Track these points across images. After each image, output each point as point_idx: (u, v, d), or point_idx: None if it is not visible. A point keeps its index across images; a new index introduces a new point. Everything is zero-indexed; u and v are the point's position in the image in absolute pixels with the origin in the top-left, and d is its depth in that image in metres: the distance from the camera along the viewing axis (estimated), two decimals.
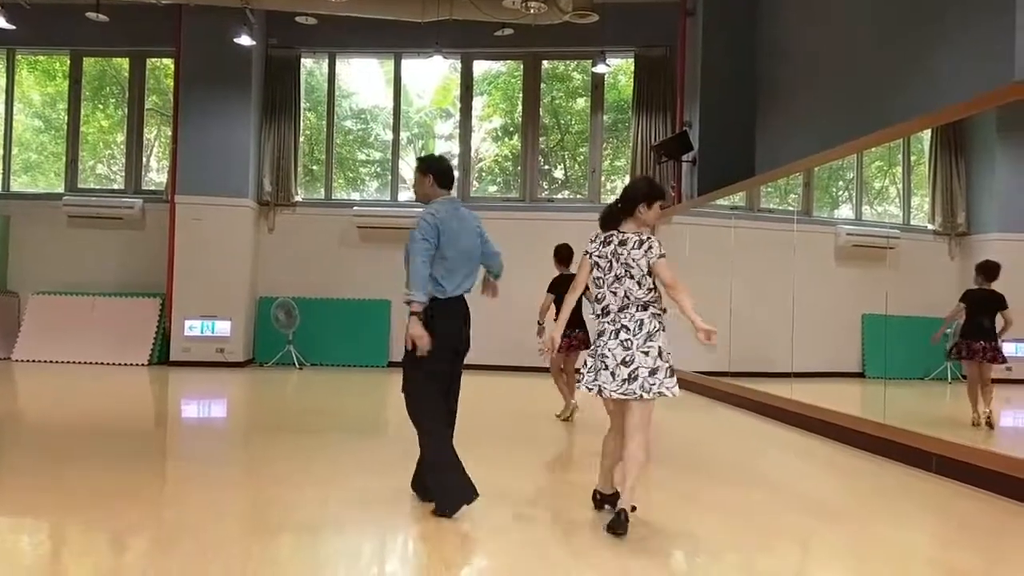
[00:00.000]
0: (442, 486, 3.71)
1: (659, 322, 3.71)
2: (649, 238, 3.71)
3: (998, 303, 5.45)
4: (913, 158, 6.57)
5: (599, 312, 3.73)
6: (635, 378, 3.56)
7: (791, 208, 8.13)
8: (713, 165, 9.84)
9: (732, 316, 8.54)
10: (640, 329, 3.65)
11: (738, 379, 8.28)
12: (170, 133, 11.31)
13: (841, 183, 7.71)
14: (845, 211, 7.70)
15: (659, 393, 3.58)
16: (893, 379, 6.00)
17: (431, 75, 12.42)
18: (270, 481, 4.56)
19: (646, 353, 3.61)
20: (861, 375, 6.83)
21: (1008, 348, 5.45)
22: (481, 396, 8.66)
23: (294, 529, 3.56)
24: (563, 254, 6.88)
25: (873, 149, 6.49)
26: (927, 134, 6.07)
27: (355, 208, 11.42)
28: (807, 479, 5.29)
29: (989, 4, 5.72)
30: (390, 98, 12.05)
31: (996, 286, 5.37)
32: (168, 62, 11.70)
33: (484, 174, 12.58)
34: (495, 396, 8.75)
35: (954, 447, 4.95)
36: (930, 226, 6.21)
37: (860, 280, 6.64)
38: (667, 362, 3.65)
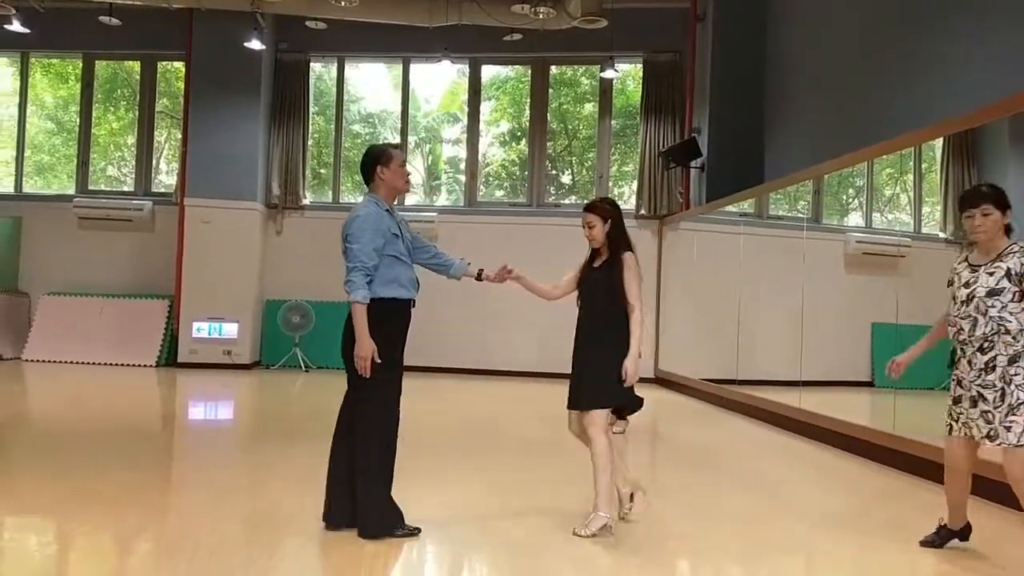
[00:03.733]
0: (382, 507, 3.46)
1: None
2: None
3: None
4: (924, 165, 6.52)
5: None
6: None
7: (800, 215, 8.08)
8: (722, 171, 9.80)
9: (740, 323, 8.50)
10: (985, 369, 3.37)
11: (746, 387, 8.23)
12: (180, 136, 11.37)
13: (851, 190, 7.66)
14: (855, 218, 7.65)
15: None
16: (903, 389, 5.95)
17: (439, 79, 12.45)
18: (275, 485, 4.55)
19: None
20: (870, 384, 6.77)
21: None
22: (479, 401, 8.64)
23: (298, 534, 3.55)
24: None
25: (884, 157, 6.45)
26: (939, 141, 6.02)
27: None
28: (814, 489, 5.24)
29: (1003, 12, 5.67)
30: (398, 102, 12.08)
31: None
32: (179, 65, 11.76)
33: (491, 179, 12.58)
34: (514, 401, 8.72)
35: None
36: (941, 234, 6.16)
37: (870, 288, 6.59)
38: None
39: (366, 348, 3.40)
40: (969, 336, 3.29)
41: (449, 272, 3.86)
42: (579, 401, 3.70)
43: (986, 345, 3.25)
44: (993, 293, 3.23)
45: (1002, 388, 3.20)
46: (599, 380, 3.63)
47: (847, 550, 3.75)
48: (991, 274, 3.25)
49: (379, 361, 3.43)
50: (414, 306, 3.62)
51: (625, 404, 3.71)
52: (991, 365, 3.23)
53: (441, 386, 9.85)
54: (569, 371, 3.81)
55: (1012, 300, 3.21)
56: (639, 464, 6.07)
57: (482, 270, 3.83)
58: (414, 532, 3.49)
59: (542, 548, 3.49)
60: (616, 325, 3.65)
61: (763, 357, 8.32)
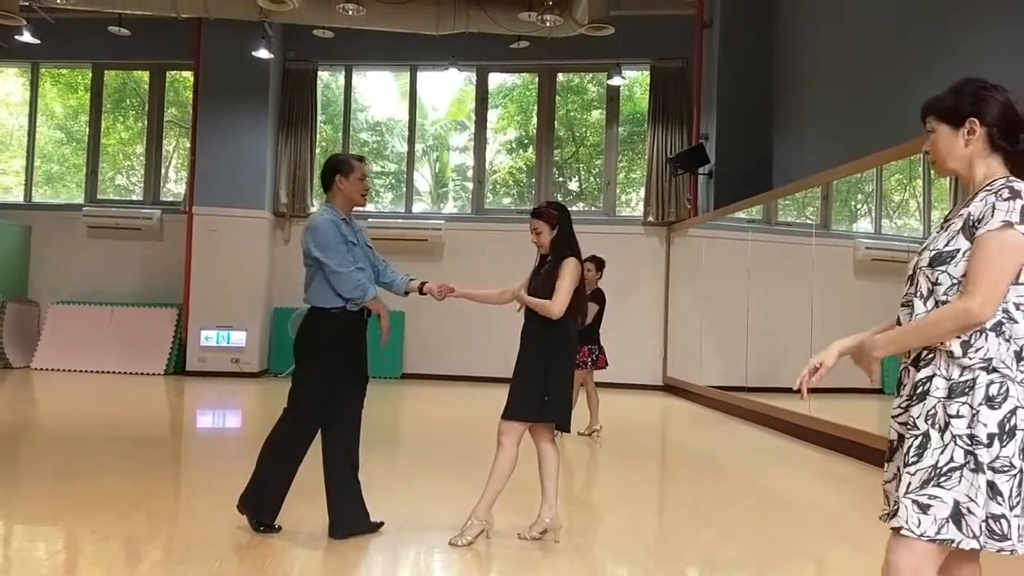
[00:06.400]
0: (261, 498, 3.58)
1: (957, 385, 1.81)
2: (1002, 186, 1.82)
3: None
4: (934, 171, 6.48)
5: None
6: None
7: (809, 221, 8.05)
8: (730, 178, 9.79)
9: (749, 330, 8.47)
10: (914, 396, 1.88)
11: (755, 394, 8.19)
12: (188, 145, 11.43)
13: (860, 196, 7.63)
14: (864, 224, 7.61)
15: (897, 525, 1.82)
16: None
17: (446, 87, 12.49)
18: None
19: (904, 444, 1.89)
20: (880, 392, 6.72)
21: None
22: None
23: (307, 541, 3.55)
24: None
25: (893, 162, 6.42)
26: None
27: (370, 220, 11.44)
28: (824, 496, 5.21)
29: (1012, 15, 5.66)
30: (405, 110, 12.12)
31: None
32: (187, 75, 11.84)
33: (498, 186, 12.60)
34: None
35: None
36: None
37: (879, 294, 6.55)
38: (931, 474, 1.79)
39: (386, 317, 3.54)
40: None
41: (392, 288, 3.86)
42: (529, 412, 3.51)
43: (925, 355, 1.86)
44: (939, 260, 1.85)
45: (926, 433, 1.80)
46: (521, 392, 3.51)
47: (860, 558, 3.71)
48: (947, 228, 1.89)
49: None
50: (369, 315, 3.64)
51: (548, 421, 3.54)
52: (921, 390, 1.84)
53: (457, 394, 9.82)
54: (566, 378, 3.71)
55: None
56: (648, 472, 6.04)
57: (424, 283, 3.78)
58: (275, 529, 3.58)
59: (554, 555, 3.48)
60: (547, 336, 3.52)
61: (772, 364, 8.28)
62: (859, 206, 7.70)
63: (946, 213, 2.05)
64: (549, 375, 3.50)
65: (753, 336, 8.43)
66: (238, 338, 10.84)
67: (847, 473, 5.75)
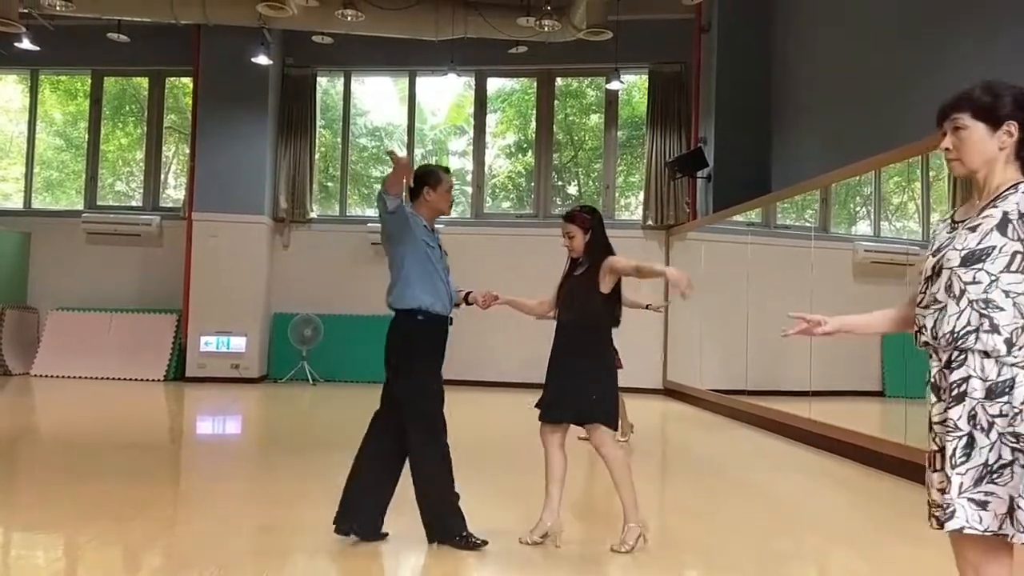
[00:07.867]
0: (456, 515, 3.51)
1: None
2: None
3: None
4: (932, 173, 6.49)
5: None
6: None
7: (808, 224, 8.06)
8: (728, 181, 9.79)
9: (748, 333, 8.46)
10: (951, 400, 1.86)
11: (755, 397, 8.18)
12: (188, 151, 11.43)
13: (859, 199, 7.64)
14: (863, 227, 7.62)
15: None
16: (914, 398, 5.90)
17: (445, 92, 12.50)
18: (284, 499, 4.53)
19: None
20: (880, 394, 6.72)
21: None
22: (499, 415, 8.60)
23: (308, 547, 3.54)
24: None
25: (891, 165, 6.43)
26: None
27: (370, 224, 11.44)
28: (825, 500, 5.20)
29: (1012, 17, 5.67)
30: (404, 115, 12.13)
31: None
32: (187, 81, 11.86)
33: (498, 190, 12.61)
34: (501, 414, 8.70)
35: None
36: None
37: (879, 297, 6.55)
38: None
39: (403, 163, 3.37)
40: (933, 339, 1.89)
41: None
42: (564, 414, 3.55)
43: (956, 356, 1.84)
44: (973, 259, 1.83)
45: (969, 434, 1.80)
46: (587, 395, 3.49)
47: (860, 563, 3.71)
48: (974, 228, 1.87)
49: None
50: (451, 323, 3.62)
51: (605, 421, 3.53)
52: (957, 392, 1.82)
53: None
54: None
55: (1010, 269, 1.79)
56: (648, 476, 6.03)
57: (469, 293, 3.75)
58: (481, 542, 3.47)
59: (554, 560, 3.47)
60: (595, 338, 3.55)
61: (772, 367, 8.27)
62: (858, 209, 7.71)
63: (951, 214, 2.06)
64: (597, 376, 3.49)
65: (753, 339, 8.42)
66: (238, 344, 10.83)
67: (847, 476, 5.74)
